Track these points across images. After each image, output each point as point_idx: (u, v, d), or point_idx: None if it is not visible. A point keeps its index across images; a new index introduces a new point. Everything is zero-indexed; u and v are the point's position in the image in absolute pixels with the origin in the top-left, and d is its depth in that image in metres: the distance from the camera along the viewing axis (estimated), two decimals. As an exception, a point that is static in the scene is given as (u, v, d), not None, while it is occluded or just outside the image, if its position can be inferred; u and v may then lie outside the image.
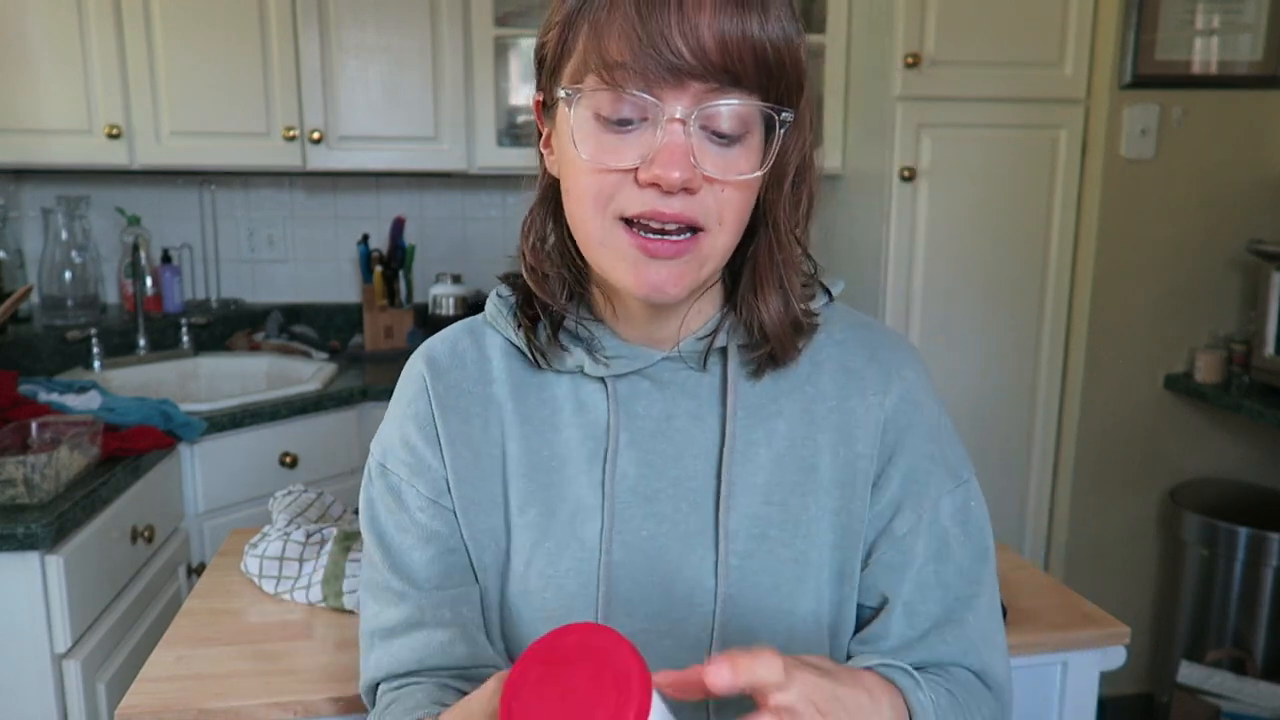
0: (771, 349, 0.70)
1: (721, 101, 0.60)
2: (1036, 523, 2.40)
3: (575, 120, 0.62)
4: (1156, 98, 2.19)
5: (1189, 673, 2.18)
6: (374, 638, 0.75)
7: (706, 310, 0.73)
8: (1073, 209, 2.27)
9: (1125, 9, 2.14)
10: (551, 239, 0.73)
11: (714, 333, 0.72)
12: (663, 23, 0.58)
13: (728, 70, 0.59)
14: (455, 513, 0.74)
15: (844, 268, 2.45)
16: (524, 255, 0.72)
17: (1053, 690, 1.25)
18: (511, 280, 0.77)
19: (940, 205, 2.23)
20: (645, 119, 0.61)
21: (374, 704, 0.76)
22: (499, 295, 0.77)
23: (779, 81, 0.61)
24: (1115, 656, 1.23)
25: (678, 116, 0.60)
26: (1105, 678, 1.30)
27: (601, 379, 0.72)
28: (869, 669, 0.63)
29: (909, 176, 2.20)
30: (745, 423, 0.72)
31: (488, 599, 0.75)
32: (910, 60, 2.13)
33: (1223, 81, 2.21)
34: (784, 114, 0.62)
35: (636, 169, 0.61)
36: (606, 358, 0.72)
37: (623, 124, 0.61)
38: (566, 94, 0.63)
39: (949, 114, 2.19)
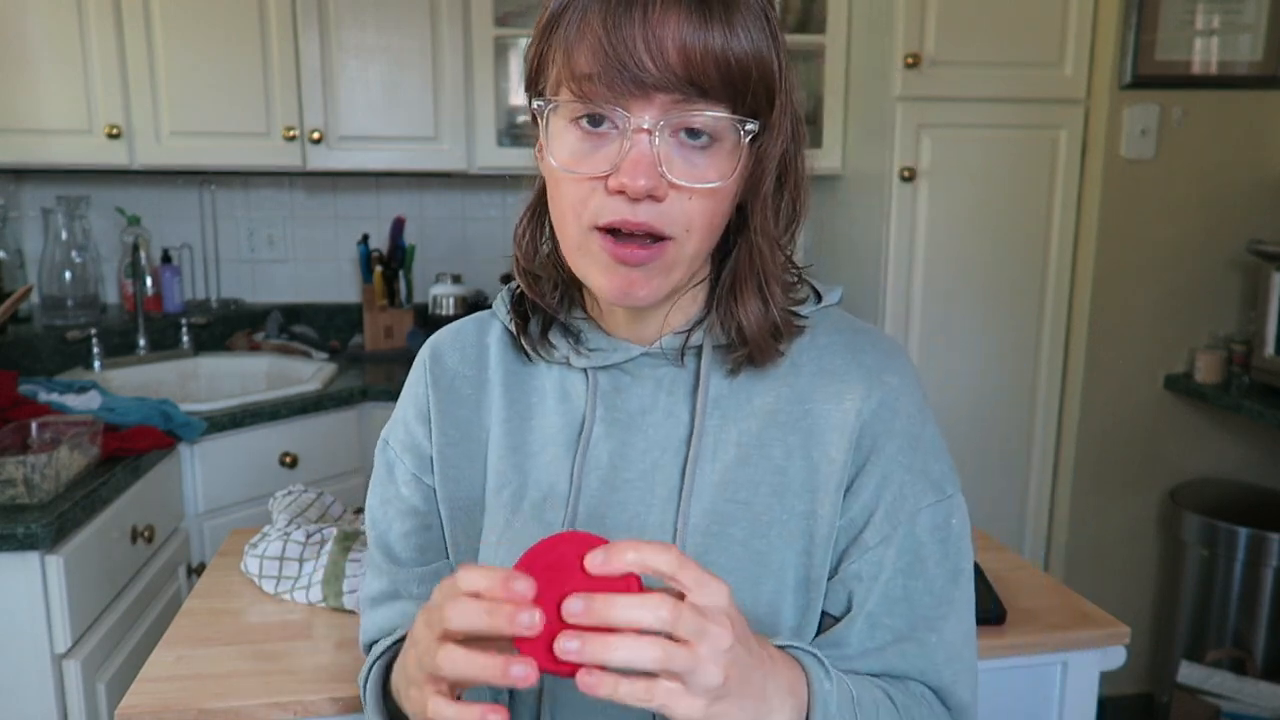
0: (750, 352, 0.71)
1: (686, 113, 0.62)
2: (1036, 523, 2.40)
3: (552, 130, 0.66)
4: (1156, 98, 2.19)
5: (1189, 673, 2.18)
6: (363, 603, 0.83)
7: (689, 309, 0.74)
8: (1073, 209, 2.27)
9: (1125, 9, 2.14)
10: (545, 244, 0.75)
11: (691, 330, 0.73)
12: (628, 37, 0.60)
13: (693, 82, 0.61)
14: (435, 488, 0.78)
15: (844, 268, 2.45)
16: (516, 258, 0.76)
17: (1053, 690, 1.25)
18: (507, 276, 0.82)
19: (940, 205, 2.23)
20: (616, 128, 0.63)
21: None
22: (509, 289, 0.81)
23: (745, 93, 0.63)
24: (1115, 656, 1.24)
25: (644, 127, 0.62)
26: (1105, 678, 1.31)
27: (584, 371, 0.75)
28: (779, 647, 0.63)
29: (909, 176, 2.20)
30: (717, 420, 0.73)
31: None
32: (910, 60, 2.13)
33: (1223, 81, 2.21)
34: (748, 125, 0.64)
35: (608, 176, 0.63)
36: (589, 350, 0.75)
37: (595, 134, 0.64)
38: (540, 105, 0.66)
39: (949, 114, 2.19)
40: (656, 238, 0.65)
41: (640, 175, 0.61)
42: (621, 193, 0.63)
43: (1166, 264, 2.28)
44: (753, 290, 0.70)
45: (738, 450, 0.72)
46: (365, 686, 0.74)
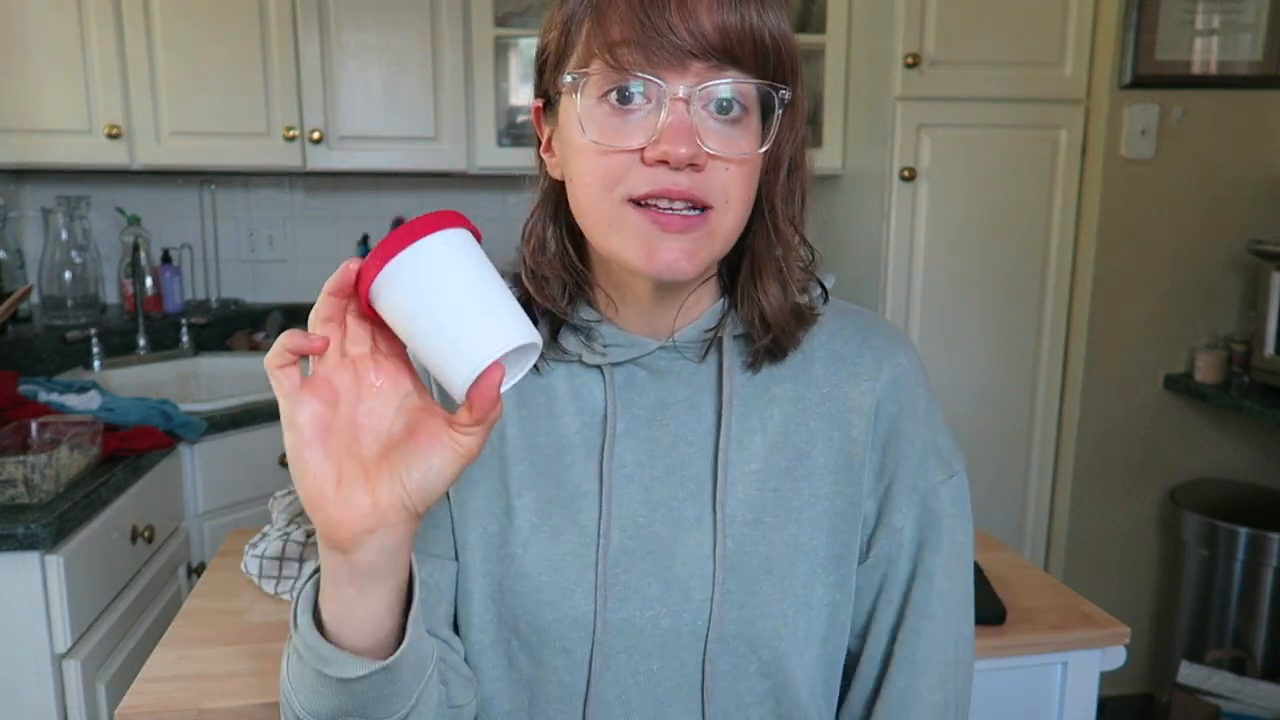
0: (773, 339, 0.72)
1: (722, 80, 0.63)
2: (1036, 523, 2.39)
3: (581, 106, 0.65)
4: (1156, 98, 2.19)
5: (1189, 673, 2.18)
6: None
7: (704, 301, 0.74)
8: (1073, 209, 2.27)
9: (1125, 9, 2.14)
10: (552, 243, 0.74)
11: (716, 326, 0.73)
12: (664, 10, 0.61)
13: (726, 51, 0.62)
14: (448, 495, 0.75)
15: (844, 267, 2.45)
16: (524, 259, 0.75)
17: (1053, 690, 1.25)
18: (513, 278, 0.79)
19: (940, 205, 2.22)
20: (649, 100, 0.63)
21: None
22: None
23: (776, 65, 0.64)
24: (1115, 656, 1.24)
25: (680, 95, 0.62)
26: (1105, 678, 1.31)
27: (598, 368, 0.74)
28: None
29: (909, 176, 2.20)
30: (740, 411, 0.74)
31: (467, 573, 0.75)
32: (910, 60, 2.13)
33: (1223, 81, 2.21)
34: (782, 91, 0.65)
35: (643, 150, 0.63)
36: (604, 346, 0.74)
37: (627, 106, 0.63)
38: (572, 79, 0.65)
39: (949, 114, 2.18)
40: (699, 207, 0.64)
41: (681, 143, 0.61)
42: (662, 163, 0.62)
43: (1166, 264, 2.28)
44: (772, 274, 0.71)
45: (764, 438, 0.73)
46: (299, 598, 0.70)
